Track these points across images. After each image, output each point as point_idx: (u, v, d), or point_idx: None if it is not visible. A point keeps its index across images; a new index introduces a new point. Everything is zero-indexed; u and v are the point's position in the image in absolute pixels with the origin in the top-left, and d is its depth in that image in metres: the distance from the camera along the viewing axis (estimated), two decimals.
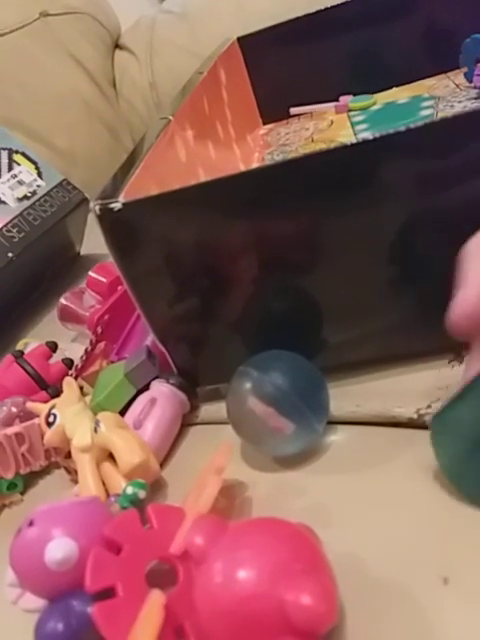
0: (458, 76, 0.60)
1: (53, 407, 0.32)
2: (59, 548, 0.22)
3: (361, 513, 0.24)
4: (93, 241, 0.62)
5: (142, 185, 0.30)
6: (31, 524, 0.23)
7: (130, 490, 0.26)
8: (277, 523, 0.20)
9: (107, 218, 0.27)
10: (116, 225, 0.28)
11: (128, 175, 0.30)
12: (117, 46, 1.01)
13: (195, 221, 0.29)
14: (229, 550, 0.19)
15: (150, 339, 0.35)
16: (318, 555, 0.20)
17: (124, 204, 0.27)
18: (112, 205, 0.27)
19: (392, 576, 0.21)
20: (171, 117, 0.39)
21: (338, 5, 0.62)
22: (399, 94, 0.62)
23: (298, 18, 0.63)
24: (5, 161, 0.54)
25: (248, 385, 0.28)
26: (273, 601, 0.18)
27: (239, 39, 0.64)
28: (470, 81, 0.57)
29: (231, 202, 0.28)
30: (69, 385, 0.33)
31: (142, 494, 0.26)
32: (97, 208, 0.27)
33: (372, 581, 0.22)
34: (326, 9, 0.62)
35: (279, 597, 0.18)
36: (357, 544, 0.23)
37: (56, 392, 0.37)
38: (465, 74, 0.58)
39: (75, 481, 0.32)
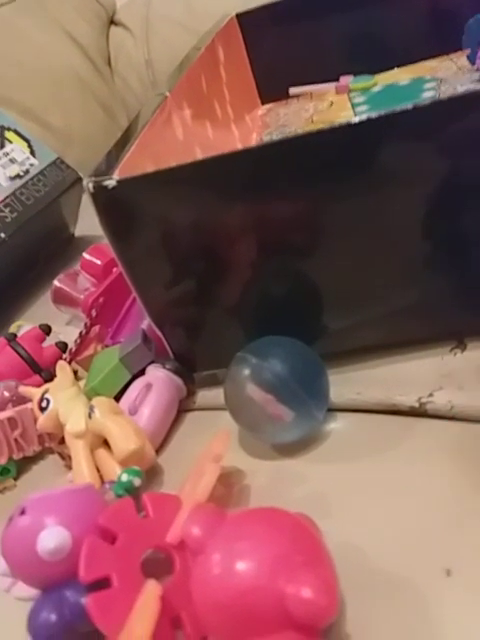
0: (461, 58, 0.58)
1: (46, 391, 0.31)
2: (51, 537, 0.21)
3: (361, 502, 0.24)
4: (87, 222, 0.60)
5: (137, 163, 0.29)
6: (23, 512, 0.22)
7: (125, 477, 0.25)
8: (277, 513, 0.20)
9: (101, 196, 0.26)
10: (110, 204, 0.27)
11: (123, 152, 0.29)
12: (112, 22, 0.98)
13: (192, 201, 0.28)
14: (227, 541, 0.19)
15: (146, 323, 0.34)
16: (319, 547, 0.19)
17: (119, 181, 0.26)
18: (106, 182, 0.26)
19: (393, 567, 0.21)
20: (168, 93, 0.38)
21: None
22: (400, 75, 0.61)
23: None
24: None
25: (247, 372, 0.27)
26: (273, 594, 0.17)
27: (238, 16, 0.63)
28: (473, 63, 0.56)
29: (229, 181, 0.27)
30: (62, 369, 0.32)
31: (137, 482, 0.25)
32: (91, 185, 0.26)
33: (373, 572, 0.21)
34: None
35: (279, 590, 0.17)
36: (357, 534, 0.23)
37: (49, 376, 0.36)
38: (468, 56, 0.57)
39: (69, 467, 0.31)
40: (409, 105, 0.25)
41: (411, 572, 0.21)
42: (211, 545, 0.19)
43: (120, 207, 0.27)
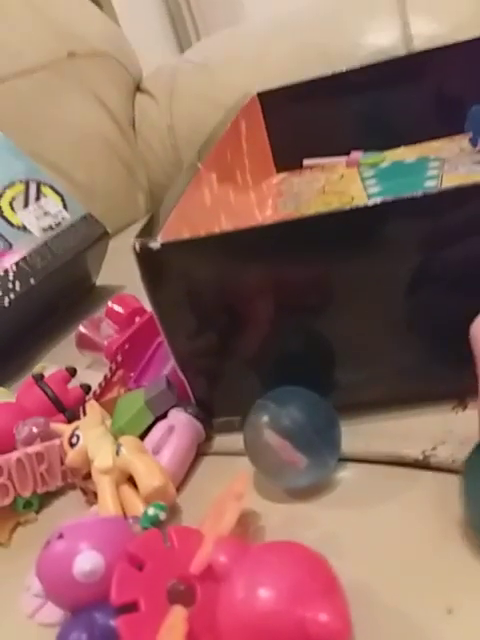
0: (463, 140, 0.63)
1: (76, 428, 0.33)
2: (87, 560, 0.23)
3: (370, 545, 0.26)
4: (107, 273, 0.64)
5: (175, 227, 0.33)
6: (60, 536, 0.24)
7: (151, 511, 0.27)
8: (296, 546, 0.22)
9: (145, 256, 0.30)
10: (152, 262, 0.30)
11: (163, 218, 0.33)
12: (138, 89, 1.06)
13: (219, 263, 0.31)
14: (250, 569, 0.21)
15: (169, 369, 0.37)
16: (333, 578, 0.21)
17: (162, 245, 0.29)
18: (151, 245, 0.29)
19: (399, 605, 0.23)
20: (200, 165, 0.42)
21: (353, 70, 0.67)
22: (407, 153, 0.66)
23: (315, 79, 0.67)
24: (33, 192, 0.56)
25: (265, 417, 0.29)
26: (292, 618, 0.19)
27: (259, 94, 0.68)
28: (474, 146, 0.60)
29: (251, 249, 0.31)
30: (92, 408, 0.34)
31: (163, 515, 0.27)
32: (137, 247, 0.29)
33: (380, 609, 0.23)
34: (342, 73, 0.67)
35: (298, 614, 0.19)
36: (366, 574, 0.24)
37: (73, 416, 0.39)
38: (470, 139, 0.62)
39: (90, 503, 0.33)
40: (415, 193, 0.28)
41: (415, 610, 0.22)
42: (235, 572, 0.21)
43: (160, 266, 0.30)
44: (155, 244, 0.29)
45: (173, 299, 0.32)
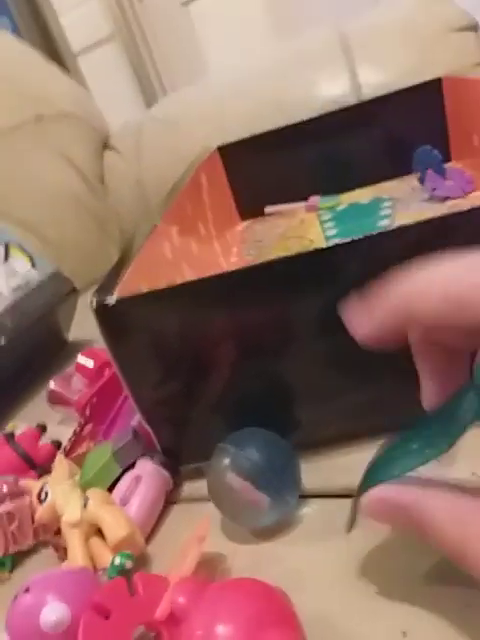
0: (413, 180, 0.67)
1: (45, 484, 0.34)
2: (53, 612, 0.23)
3: (331, 577, 0.27)
4: (81, 327, 0.65)
5: (133, 281, 0.34)
6: (27, 590, 0.25)
7: (117, 560, 0.28)
8: (251, 582, 0.23)
9: (102, 312, 0.31)
10: (110, 317, 0.32)
11: (121, 272, 0.35)
12: (106, 146, 1.09)
13: (179, 314, 0.32)
14: (208, 607, 0.22)
15: (136, 420, 0.38)
16: (287, 610, 0.22)
17: (118, 300, 0.31)
18: (107, 301, 0.31)
19: (358, 630, 0.24)
20: (158, 222, 0.44)
21: (307, 120, 0.71)
22: (362, 195, 0.69)
23: (272, 131, 0.71)
24: (1, 253, 0.58)
25: (226, 461, 0.30)
26: None
27: (219, 148, 0.72)
28: (422, 184, 0.64)
29: (210, 298, 0.32)
30: (60, 463, 0.35)
31: (129, 564, 0.28)
32: (94, 303, 0.31)
33: (340, 636, 0.24)
34: (297, 123, 0.71)
35: None
36: (327, 605, 0.25)
37: (44, 472, 0.39)
38: (418, 178, 0.65)
39: (62, 559, 0.33)
40: (366, 233, 0.30)
41: (373, 635, 0.23)
42: (194, 611, 0.22)
43: (118, 320, 0.32)
44: (111, 299, 0.31)
45: (133, 351, 0.33)
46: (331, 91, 0.90)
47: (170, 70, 2.03)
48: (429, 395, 0.25)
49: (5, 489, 0.37)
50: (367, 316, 0.23)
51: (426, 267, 0.22)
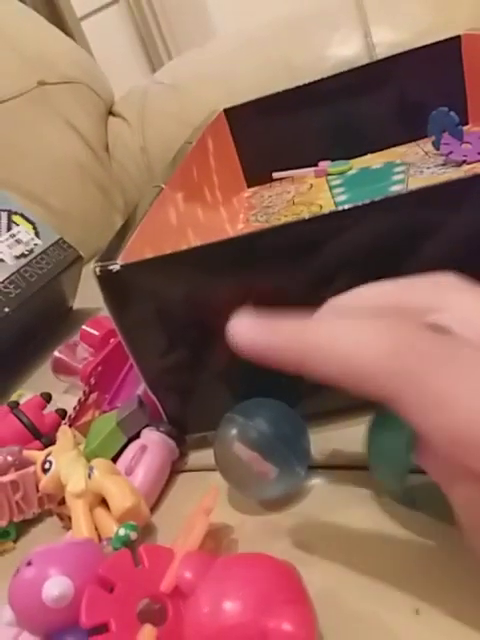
0: (427, 144, 0.65)
1: (49, 454, 0.33)
2: (56, 586, 0.23)
3: (339, 551, 0.26)
4: (86, 296, 0.64)
5: (138, 248, 0.33)
6: (29, 564, 0.24)
7: (122, 532, 0.27)
8: (261, 557, 0.22)
9: (106, 278, 0.30)
10: (114, 284, 0.30)
11: (125, 239, 0.33)
12: (111, 113, 1.07)
13: (185, 280, 0.31)
14: (216, 582, 0.21)
15: (141, 389, 0.37)
16: (298, 587, 0.21)
17: (122, 266, 0.30)
18: (111, 267, 0.30)
19: (368, 607, 0.23)
20: (163, 185, 0.43)
21: (317, 81, 0.68)
22: (374, 160, 0.67)
23: (280, 92, 0.68)
24: (4, 222, 0.57)
25: (234, 431, 0.30)
26: (257, 629, 0.19)
27: (225, 110, 0.69)
28: (437, 149, 0.62)
29: (217, 264, 0.31)
30: (64, 433, 0.34)
31: (133, 535, 0.27)
32: (97, 269, 0.30)
33: (350, 613, 0.23)
34: (307, 84, 0.68)
35: (262, 625, 0.19)
36: (335, 579, 0.25)
37: (49, 441, 0.39)
38: (433, 142, 0.63)
39: (67, 528, 0.33)
40: (375, 197, 0.29)
41: (384, 612, 0.23)
42: (201, 586, 0.21)
43: (122, 287, 0.31)
44: (115, 266, 0.30)
45: (138, 319, 0.32)
46: (343, 51, 0.86)
47: (176, 34, 1.98)
48: None
49: (9, 459, 0.36)
50: (267, 332, 0.22)
51: (337, 326, 0.21)
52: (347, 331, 0.20)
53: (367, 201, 0.28)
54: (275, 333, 0.22)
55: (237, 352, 0.23)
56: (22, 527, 0.36)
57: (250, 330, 0.22)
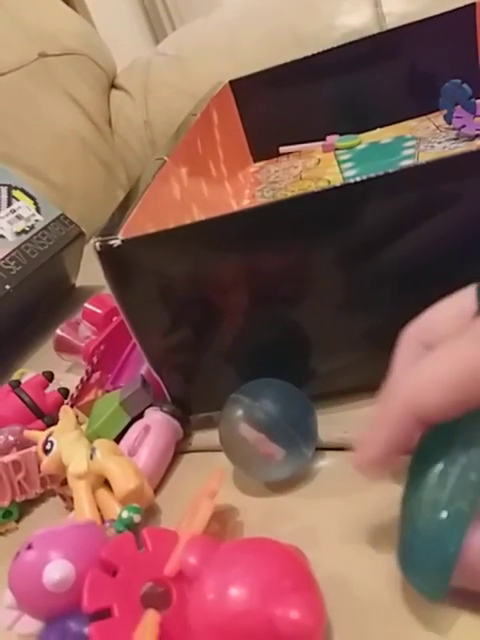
0: (438, 118, 0.63)
1: (50, 434, 0.33)
2: (57, 570, 0.22)
3: (347, 535, 0.25)
4: (88, 273, 0.63)
5: (139, 223, 0.32)
6: (29, 547, 0.24)
7: (125, 514, 0.27)
8: (267, 542, 0.21)
9: (107, 254, 0.29)
10: (115, 261, 0.29)
11: (126, 213, 0.32)
12: (113, 86, 1.04)
13: (188, 256, 0.30)
14: (221, 568, 0.20)
15: (145, 368, 0.36)
16: (305, 573, 0.21)
17: (123, 241, 0.29)
18: (111, 242, 0.29)
19: (378, 594, 0.22)
20: (166, 158, 0.41)
21: (325, 51, 0.66)
22: (383, 134, 0.65)
23: (287, 63, 0.66)
24: (4, 197, 0.55)
25: (240, 412, 0.29)
26: (263, 616, 0.19)
27: (231, 82, 0.67)
28: (449, 123, 0.60)
29: (222, 239, 0.30)
30: (66, 413, 0.34)
31: (137, 518, 0.27)
32: (97, 245, 0.29)
33: (358, 599, 0.22)
34: (314, 55, 0.66)
35: (269, 612, 0.19)
36: (343, 564, 0.24)
37: (52, 421, 0.38)
38: (444, 116, 0.61)
39: (70, 508, 0.33)
40: (387, 170, 0.28)
41: (394, 599, 0.22)
42: (206, 572, 0.20)
43: (124, 263, 0.29)
44: (116, 241, 0.29)
45: (140, 296, 0.31)
46: (352, 21, 0.84)
47: (180, 4, 1.93)
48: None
49: (11, 438, 0.36)
50: (376, 440, 0.22)
51: (419, 367, 0.21)
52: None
53: (381, 173, 0.27)
54: (383, 429, 0.21)
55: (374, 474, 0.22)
56: (25, 507, 0.35)
57: (369, 453, 0.22)
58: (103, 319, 0.45)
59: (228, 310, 0.32)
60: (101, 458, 0.30)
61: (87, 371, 0.40)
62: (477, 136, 0.55)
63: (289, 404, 0.29)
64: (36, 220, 0.55)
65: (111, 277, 0.30)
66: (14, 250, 0.52)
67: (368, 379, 0.32)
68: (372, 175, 0.27)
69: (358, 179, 0.28)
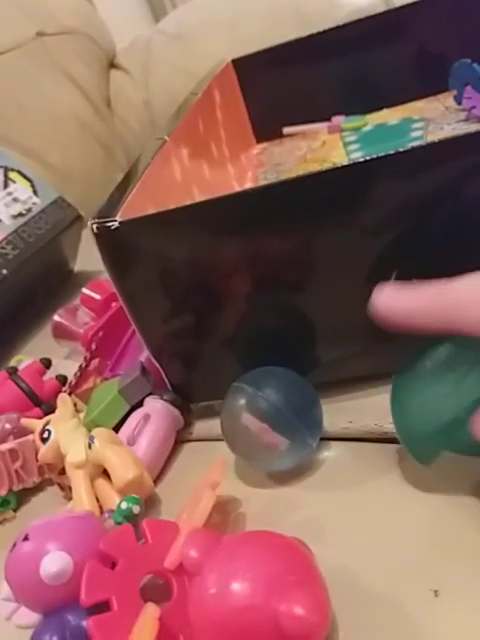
0: (448, 98, 0.61)
1: (48, 423, 0.32)
2: (54, 562, 0.22)
3: (353, 528, 0.25)
4: (87, 258, 0.62)
5: (138, 204, 0.31)
6: (26, 538, 0.23)
7: (124, 505, 0.26)
8: (270, 536, 0.21)
9: (104, 236, 0.28)
10: (113, 243, 0.28)
11: (125, 194, 0.31)
12: (112, 65, 1.02)
13: (189, 239, 0.29)
14: (223, 562, 0.20)
15: (144, 355, 0.35)
16: (310, 567, 0.20)
17: (121, 223, 0.28)
18: (109, 224, 0.27)
19: (384, 589, 0.22)
20: (167, 137, 0.40)
21: (330, 29, 0.64)
22: (390, 115, 0.64)
23: (292, 42, 0.64)
24: (1, 179, 0.54)
25: (242, 401, 0.28)
26: (267, 612, 0.18)
27: (233, 61, 0.66)
28: (459, 103, 0.58)
29: (223, 222, 0.29)
30: (63, 401, 0.33)
31: (136, 509, 0.26)
32: (94, 226, 0.28)
33: (364, 594, 0.22)
34: (319, 33, 0.64)
35: (273, 608, 0.18)
36: (349, 558, 0.23)
37: (49, 408, 0.37)
38: (454, 97, 0.59)
39: (68, 498, 0.32)
40: (391, 150, 0.27)
41: (401, 593, 0.21)
42: (207, 566, 0.20)
43: (122, 246, 0.28)
44: (113, 223, 0.28)
45: (139, 281, 0.30)
46: None
47: None
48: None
49: (8, 427, 0.35)
50: (408, 297, 0.22)
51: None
52: None
53: (390, 151, 0.26)
54: (417, 297, 0.22)
55: (379, 322, 0.23)
56: (23, 496, 0.35)
57: (391, 299, 0.23)
58: (102, 305, 0.44)
59: (230, 295, 0.31)
60: (100, 447, 0.29)
61: (85, 358, 0.39)
62: None
63: (293, 393, 0.28)
64: (33, 203, 0.54)
65: (109, 261, 0.29)
66: (11, 234, 0.51)
67: (375, 367, 0.32)
68: (381, 153, 0.26)
69: (366, 158, 0.27)
